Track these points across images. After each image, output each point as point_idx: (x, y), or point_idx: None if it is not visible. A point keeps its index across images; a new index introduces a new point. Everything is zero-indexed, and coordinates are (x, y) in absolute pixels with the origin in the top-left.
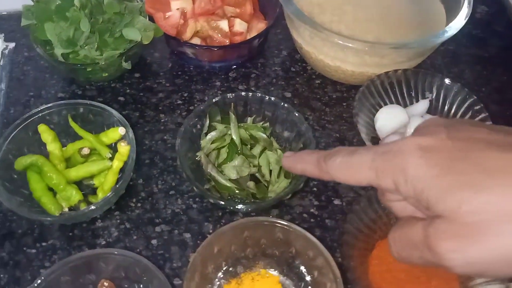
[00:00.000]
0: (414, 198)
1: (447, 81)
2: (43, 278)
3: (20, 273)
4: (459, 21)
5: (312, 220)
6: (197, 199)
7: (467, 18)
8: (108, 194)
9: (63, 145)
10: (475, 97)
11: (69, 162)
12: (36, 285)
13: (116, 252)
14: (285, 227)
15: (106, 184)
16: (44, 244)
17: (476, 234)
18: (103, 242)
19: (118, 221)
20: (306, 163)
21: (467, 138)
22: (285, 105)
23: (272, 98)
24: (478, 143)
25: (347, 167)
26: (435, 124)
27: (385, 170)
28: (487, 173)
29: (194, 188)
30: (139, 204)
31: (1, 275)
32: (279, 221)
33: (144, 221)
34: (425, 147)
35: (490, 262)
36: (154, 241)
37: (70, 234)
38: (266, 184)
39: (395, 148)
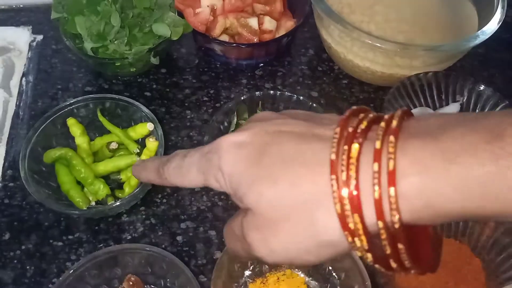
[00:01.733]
0: (233, 195)
1: (481, 87)
2: (71, 271)
3: (46, 265)
4: (493, 25)
5: None
6: (222, 196)
7: (501, 22)
8: (135, 190)
9: (90, 138)
10: (507, 102)
11: (96, 156)
12: (63, 278)
13: (143, 248)
14: None
15: (133, 179)
16: (70, 237)
17: (274, 225)
18: (129, 237)
19: (144, 216)
20: (149, 171)
21: (274, 132)
22: (314, 105)
23: (301, 98)
24: (282, 136)
25: (180, 172)
26: (254, 119)
27: (208, 170)
28: (282, 165)
29: None
30: (164, 200)
31: (28, 267)
32: None
33: (169, 217)
34: (237, 143)
35: (289, 251)
36: (179, 238)
37: (96, 228)
38: None
39: (214, 147)
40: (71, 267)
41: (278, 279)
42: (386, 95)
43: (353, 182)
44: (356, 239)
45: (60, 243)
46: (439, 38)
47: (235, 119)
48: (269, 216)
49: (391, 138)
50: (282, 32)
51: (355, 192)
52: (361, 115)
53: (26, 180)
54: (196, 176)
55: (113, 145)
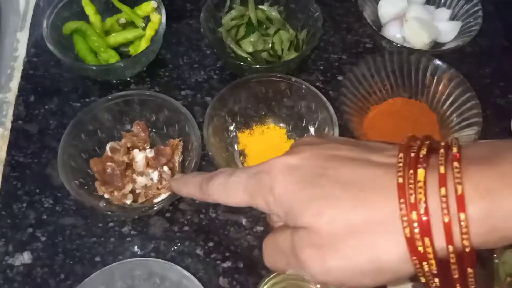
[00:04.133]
0: (284, 216)
1: None
2: (85, 110)
3: (67, 120)
4: None
5: None
6: (217, 71)
7: None
8: (140, 52)
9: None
10: None
11: (108, 34)
12: (80, 115)
13: (147, 93)
14: (291, 81)
15: (139, 50)
16: (87, 99)
17: (333, 244)
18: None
19: (149, 85)
20: (190, 186)
21: (327, 156)
22: None
23: None
24: (336, 160)
25: (225, 190)
26: (304, 143)
27: (257, 191)
28: (341, 187)
29: (214, 50)
30: (167, 73)
31: (51, 122)
32: (287, 76)
33: (171, 86)
34: (291, 166)
35: (345, 271)
36: (180, 102)
37: (109, 93)
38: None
39: (265, 169)
40: (84, 108)
41: (263, 131)
42: None
43: (422, 206)
44: (424, 263)
45: (78, 104)
46: None
47: (228, 2)
48: (328, 234)
49: (455, 164)
50: None
51: (424, 216)
52: (417, 142)
53: (51, 43)
54: (241, 195)
55: (122, 20)
